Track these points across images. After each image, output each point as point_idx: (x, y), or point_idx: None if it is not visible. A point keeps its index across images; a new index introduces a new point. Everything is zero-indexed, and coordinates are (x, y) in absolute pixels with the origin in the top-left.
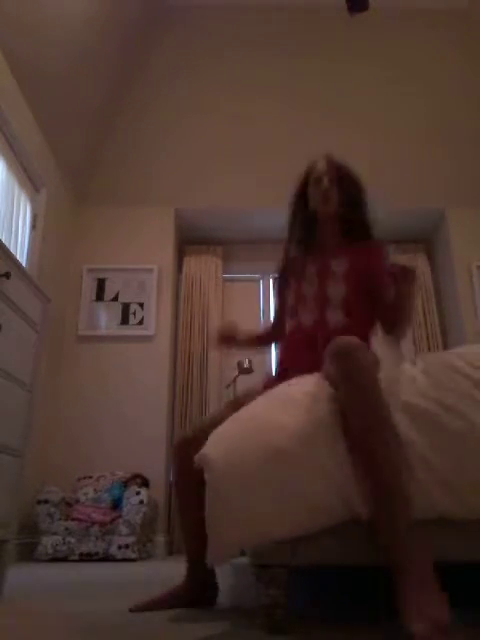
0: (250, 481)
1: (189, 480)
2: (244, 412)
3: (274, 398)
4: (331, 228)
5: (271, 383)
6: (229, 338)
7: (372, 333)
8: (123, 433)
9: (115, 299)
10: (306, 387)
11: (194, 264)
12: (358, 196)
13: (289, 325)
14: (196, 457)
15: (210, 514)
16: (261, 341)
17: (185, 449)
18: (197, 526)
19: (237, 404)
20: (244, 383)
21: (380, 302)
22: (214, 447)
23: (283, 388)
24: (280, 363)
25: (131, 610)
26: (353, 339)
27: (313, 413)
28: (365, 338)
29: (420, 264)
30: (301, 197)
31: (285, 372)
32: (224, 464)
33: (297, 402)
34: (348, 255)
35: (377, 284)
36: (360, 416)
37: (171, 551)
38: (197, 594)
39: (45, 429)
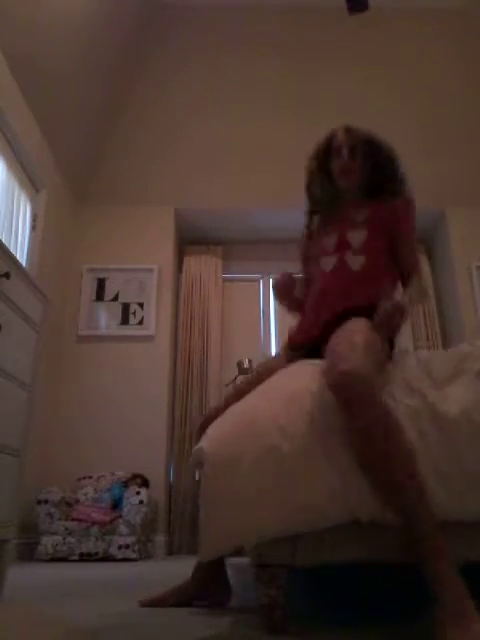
0: (246, 479)
1: None
2: (244, 406)
3: (277, 394)
4: (353, 199)
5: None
6: (289, 291)
7: (394, 279)
8: (123, 433)
9: (115, 299)
10: (313, 385)
11: (194, 264)
12: (386, 166)
13: (314, 277)
14: (193, 451)
15: (204, 507)
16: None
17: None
18: None
19: (259, 379)
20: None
21: (400, 259)
22: (211, 441)
23: (288, 383)
24: (297, 331)
25: (141, 603)
26: (354, 368)
27: (315, 417)
28: (385, 282)
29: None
30: (321, 163)
31: (300, 346)
32: (221, 460)
33: (300, 402)
34: (370, 206)
35: (399, 241)
36: (366, 449)
37: (171, 551)
38: (204, 593)
39: (45, 429)
